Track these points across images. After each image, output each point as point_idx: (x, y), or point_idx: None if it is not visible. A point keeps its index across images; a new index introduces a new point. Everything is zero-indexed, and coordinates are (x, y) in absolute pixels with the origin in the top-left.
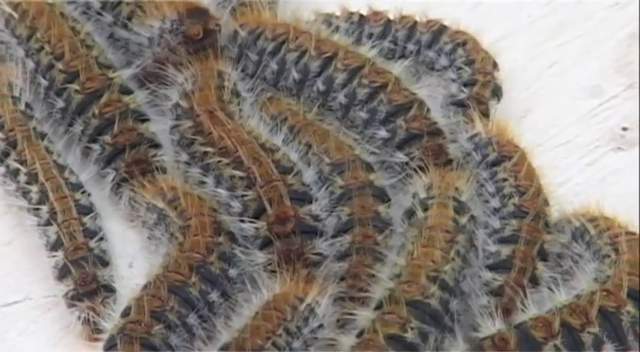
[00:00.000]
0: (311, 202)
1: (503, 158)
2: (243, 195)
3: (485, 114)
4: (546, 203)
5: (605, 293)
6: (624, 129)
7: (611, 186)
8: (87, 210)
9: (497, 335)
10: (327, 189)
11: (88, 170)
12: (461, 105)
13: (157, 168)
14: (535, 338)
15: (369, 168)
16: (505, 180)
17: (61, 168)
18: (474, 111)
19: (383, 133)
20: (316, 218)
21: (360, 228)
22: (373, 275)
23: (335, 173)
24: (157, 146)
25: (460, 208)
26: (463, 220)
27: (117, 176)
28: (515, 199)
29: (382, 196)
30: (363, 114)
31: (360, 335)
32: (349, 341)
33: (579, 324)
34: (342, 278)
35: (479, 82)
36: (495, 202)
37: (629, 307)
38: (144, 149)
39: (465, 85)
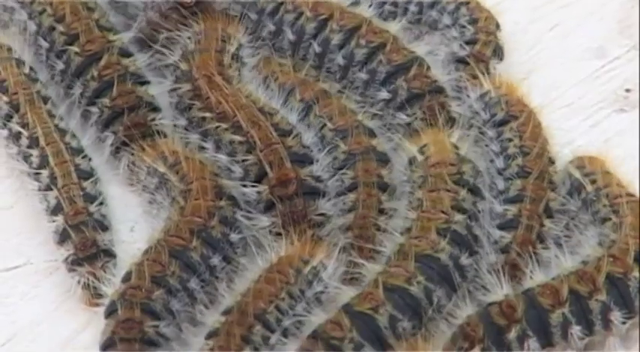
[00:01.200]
0: (312, 163)
1: (510, 117)
2: (243, 160)
3: (485, 73)
4: (551, 162)
5: (611, 259)
6: (627, 90)
7: (614, 148)
8: (87, 174)
9: (505, 301)
10: (329, 151)
11: (89, 134)
12: (462, 62)
13: (156, 132)
14: (542, 305)
15: (371, 133)
16: (510, 140)
17: (63, 132)
18: (477, 69)
19: (384, 94)
20: (318, 179)
21: (364, 188)
22: (379, 227)
23: (338, 138)
24: (156, 109)
25: (459, 160)
26: (464, 152)
27: (116, 140)
28: (519, 160)
29: (384, 160)
30: (363, 76)
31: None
32: (350, 292)
33: (587, 292)
34: (349, 229)
35: (480, 41)
36: (500, 162)
37: (636, 272)
38: (143, 112)
39: (467, 43)
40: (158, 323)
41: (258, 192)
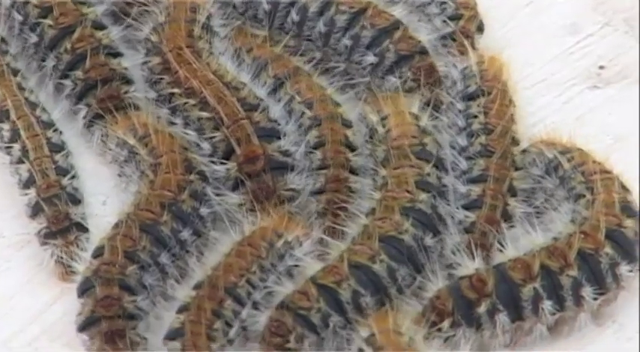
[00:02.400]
0: (279, 138)
1: (481, 92)
2: (211, 137)
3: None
4: (515, 142)
5: (583, 236)
6: (601, 67)
7: (587, 124)
8: (58, 148)
9: (475, 275)
10: (296, 122)
11: (60, 107)
12: (447, 38)
13: (129, 105)
14: (513, 279)
15: (337, 104)
16: (475, 116)
17: (33, 105)
18: (464, 44)
19: (371, 58)
20: (286, 153)
21: (331, 144)
22: (351, 188)
23: (305, 107)
24: (129, 82)
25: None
26: (424, 123)
27: (89, 112)
28: (482, 138)
29: (350, 125)
30: (347, 41)
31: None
32: (316, 266)
33: (558, 267)
34: (321, 192)
35: (465, 16)
36: (463, 139)
37: (608, 248)
38: (116, 85)
39: (450, 19)
40: (135, 297)
41: (227, 169)
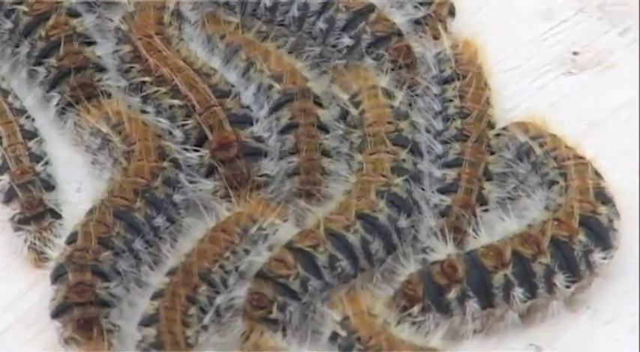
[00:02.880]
0: (252, 123)
1: (456, 76)
2: (183, 124)
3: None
4: (491, 126)
5: (556, 223)
6: (575, 53)
7: (561, 110)
8: (31, 134)
9: (447, 261)
10: (265, 95)
11: (33, 94)
12: (419, 23)
13: (102, 93)
14: (485, 266)
15: (306, 79)
16: (451, 100)
17: (5, 92)
18: (437, 28)
19: (347, 41)
20: (259, 139)
21: (303, 128)
22: (324, 170)
23: (274, 81)
24: (102, 70)
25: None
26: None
27: (62, 100)
28: (458, 122)
29: (319, 102)
30: (321, 25)
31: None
32: (292, 232)
33: (531, 254)
34: (295, 173)
35: (435, 1)
36: (438, 124)
37: (581, 236)
38: (89, 73)
39: (421, 4)
40: (108, 284)
41: (200, 156)
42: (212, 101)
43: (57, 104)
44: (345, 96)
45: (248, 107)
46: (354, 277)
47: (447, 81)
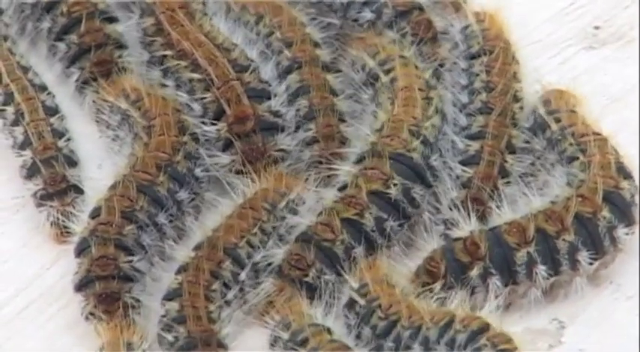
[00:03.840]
0: (269, 98)
1: (483, 51)
2: (202, 98)
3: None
4: (516, 99)
5: (580, 199)
6: (596, 27)
7: (582, 85)
8: (53, 111)
9: (469, 238)
10: (277, 65)
11: (53, 71)
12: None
13: (122, 69)
14: (508, 243)
15: (317, 45)
16: (477, 74)
17: (25, 69)
18: (459, 2)
19: (368, 14)
20: (276, 114)
21: (315, 92)
22: (343, 137)
23: (284, 47)
24: (123, 47)
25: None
26: (429, 78)
27: (81, 75)
28: (483, 95)
29: (328, 68)
30: None
31: (342, 189)
32: (331, 194)
33: (555, 231)
34: (315, 141)
35: None
36: (464, 97)
37: (605, 212)
38: (109, 49)
39: None
40: (132, 258)
41: (217, 130)
42: (231, 75)
43: (76, 80)
44: (372, 62)
45: (267, 82)
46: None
47: (474, 56)
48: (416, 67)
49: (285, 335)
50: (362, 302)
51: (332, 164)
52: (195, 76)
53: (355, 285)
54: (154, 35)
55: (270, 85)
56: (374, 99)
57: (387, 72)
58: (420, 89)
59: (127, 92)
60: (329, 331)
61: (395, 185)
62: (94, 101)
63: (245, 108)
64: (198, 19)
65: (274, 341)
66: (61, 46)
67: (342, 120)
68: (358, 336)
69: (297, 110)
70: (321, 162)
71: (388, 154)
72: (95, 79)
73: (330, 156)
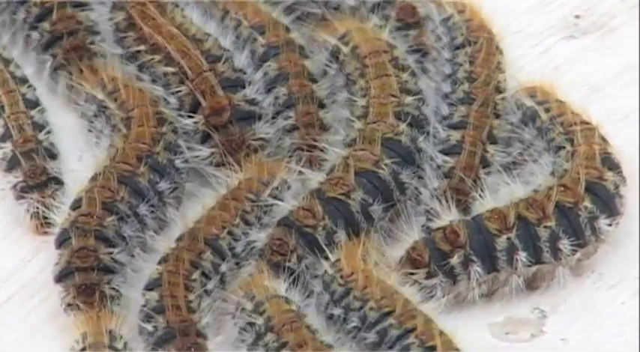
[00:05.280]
0: (244, 87)
1: (467, 42)
2: (177, 91)
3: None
4: (499, 90)
5: (562, 189)
6: (577, 16)
7: (563, 74)
8: (33, 103)
9: (449, 227)
10: (252, 54)
11: (32, 63)
12: None
13: (95, 54)
14: (488, 229)
15: (288, 29)
16: (460, 64)
17: (6, 61)
18: None
19: (351, 1)
20: (252, 102)
21: (293, 79)
22: (323, 124)
23: (256, 34)
24: (95, 33)
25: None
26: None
27: (54, 62)
28: (465, 85)
29: (305, 54)
30: None
31: (330, 172)
32: (319, 177)
33: (536, 218)
34: (295, 129)
35: None
36: (446, 86)
37: (587, 202)
38: (82, 36)
39: None
40: (112, 249)
41: (195, 123)
42: (204, 67)
43: (50, 66)
44: (333, 39)
45: (241, 70)
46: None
47: (458, 47)
48: (372, 31)
49: (249, 306)
50: (330, 271)
51: (315, 151)
52: (170, 69)
53: (332, 259)
54: (127, 30)
55: (244, 73)
56: (341, 71)
57: (347, 43)
58: (384, 51)
59: (104, 82)
60: (287, 301)
61: (386, 165)
62: (71, 87)
63: (220, 100)
64: (169, 12)
65: (240, 311)
66: (35, 34)
67: (322, 106)
68: (330, 317)
69: (276, 98)
70: (302, 150)
71: (378, 139)
72: (69, 65)
73: (314, 142)
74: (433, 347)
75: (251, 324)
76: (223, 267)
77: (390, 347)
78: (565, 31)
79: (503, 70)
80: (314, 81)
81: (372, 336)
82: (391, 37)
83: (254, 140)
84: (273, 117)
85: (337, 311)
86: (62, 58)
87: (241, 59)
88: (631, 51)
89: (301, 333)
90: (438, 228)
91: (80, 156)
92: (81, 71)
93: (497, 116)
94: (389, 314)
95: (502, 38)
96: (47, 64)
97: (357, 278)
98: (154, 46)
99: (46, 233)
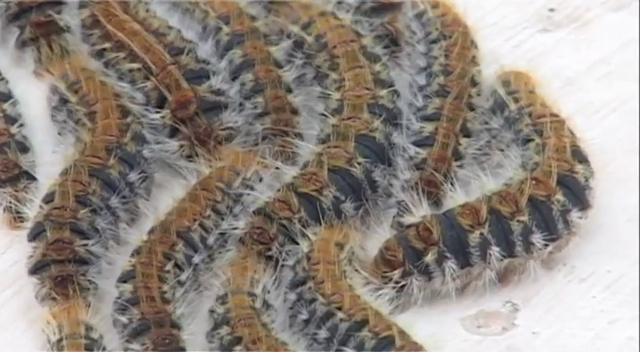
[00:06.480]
0: (209, 77)
1: (442, 37)
2: (143, 87)
3: None
4: (474, 83)
5: (534, 182)
6: (551, 10)
7: (537, 68)
8: (6, 96)
9: (422, 224)
10: (217, 43)
11: (6, 56)
12: None
13: (62, 28)
14: (461, 225)
15: (254, 18)
16: (436, 58)
17: None
18: None
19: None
20: (218, 92)
21: (260, 65)
22: (294, 108)
23: (221, 23)
24: (61, 3)
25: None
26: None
27: (22, 34)
28: (440, 78)
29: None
30: None
31: (304, 167)
32: (292, 171)
33: (509, 212)
34: (265, 114)
35: None
36: (421, 79)
37: (559, 195)
38: (48, 8)
39: None
40: (87, 241)
41: (162, 117)
42: (167, 61)
43: (17, 38)
44: (296, 28)
45: (205, 61)
46: (358, 212)
47: (433, 41)
48: (335, 17)
49: (221, 292)
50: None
51: (286, 137)
52: (134, 65)
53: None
54: (92, 27)
55: (208, 64)
56: (310, 63)
57: (310, 33)
58: (351, 40)
59: (67, 73)
60: (252, 298)
61: (359, 164)
62: (38, 60)
63: (185, 92)
64: (133, 7)
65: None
66: (1, 4)
67: (289, 91)
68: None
69: (243, 85)
70: (275, 135)
71: (352, 136)
72: (37, 39)
73: (285, 127)
74: (388, 337)
75: (212, 312)
76: (196, 259)
77: (343, 344)
78: (539, 24)
79: (478, 64)
80: (280, 67)
81: (323, 332)
82: (354, 22)
83: (222, 130)
84: (240, 105)
85: (291, 296)
86: (29, 32)
87: (206, 49)
88: (605, 44)
89: (256, 330)
90: (410, 225)
91: (54, 150)
92: (50, 48)
93: (472, 109)
94: (339, 309)
95: (476, 31)
96: (13, 35)
97: (319, 269)
98: (118, 44)
99: (19, 227)
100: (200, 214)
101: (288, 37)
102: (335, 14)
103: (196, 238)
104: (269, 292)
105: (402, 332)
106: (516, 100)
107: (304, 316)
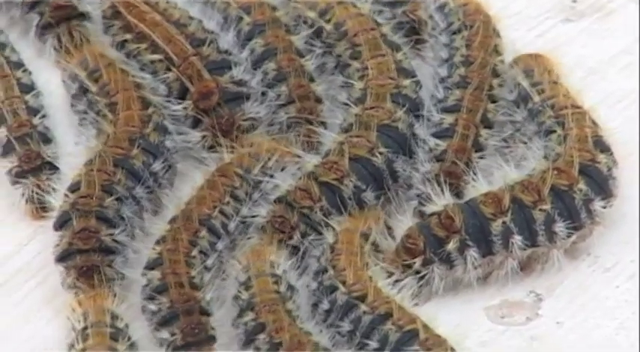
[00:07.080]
0: (231, 68)
1: (464, 27)
2: (165, 78)
3: None
4: (496, 74)
5: (556, 172)
6: (574, 0)
7: (560, 58)
8: (29, 88)
9: (444, 212)
10: (238, 33)
11: (29, 47)
12: None
13: (83, 15)
14: (483, 213)
15: (274, 8)
16: (457, 49)
17: (2, 46)
18: None
19: None
20: (240, 82)
21: (282, 54)
22: (318, 97)
23: (243, 13)
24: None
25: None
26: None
27: (41, 20)
28: (462, 69)
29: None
30: None
31: (326, 156)
32: (314, 160)
33: (531, 201)
34: (290, 102)
35: None
36: (443, 70)
37: (581, 184)
38: None
39: None
40: (113, 230)
41: (184, 108)
42: (189, 51)
43: (36, 25)
44: (313, 14)
45: (226, 51)
46: (379, 201)
47: (455, 32)
48: (354, 5)
49: (242, 278)
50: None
51: (311, 126)
52: (156, 57)
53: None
54: (113, 19)
55: (230, 54)
56: (330, 52)
57: (328, 20)
58: (372, 29)
59: (87, 60)
60: (276, 280)
61: (380, 153)
62: (56, 46)
63: (207, 83)
64: None
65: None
66: None
67: (312, 80)
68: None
69: (265, 74)
70: (299, 124)
71: (374, 126)
72: (57, 25)
73: (310, 116)
74: (412, 331)
75: (236, 298)
76: (219, 245)
77: (366, 336)
78: (562, 14)
79: (501, 53)
80: (301, 56)
81: (346, 325)
82: (373, 12)
83: (244, 120)
84: (262, 95)
85: (313, 285)
86: (49, 17)
87: (227, 40)
88: (628, 34)
89: (280, 317)
90: (433, 214)
91: (77, 141)
92: (71, 35)
93: (494, 100)
94: (361, 300)
95: (498, 21)
96: (34, 21)
97: (340, 259)
98: (140, 35)
99: (42, 217)
100: (219, 200)
101: (305, 23)
102: (353, 3)
103: (218, 225)
104: (290, 276)
105: (425, 326)
106: (540, 92)
107: (325, 306)
